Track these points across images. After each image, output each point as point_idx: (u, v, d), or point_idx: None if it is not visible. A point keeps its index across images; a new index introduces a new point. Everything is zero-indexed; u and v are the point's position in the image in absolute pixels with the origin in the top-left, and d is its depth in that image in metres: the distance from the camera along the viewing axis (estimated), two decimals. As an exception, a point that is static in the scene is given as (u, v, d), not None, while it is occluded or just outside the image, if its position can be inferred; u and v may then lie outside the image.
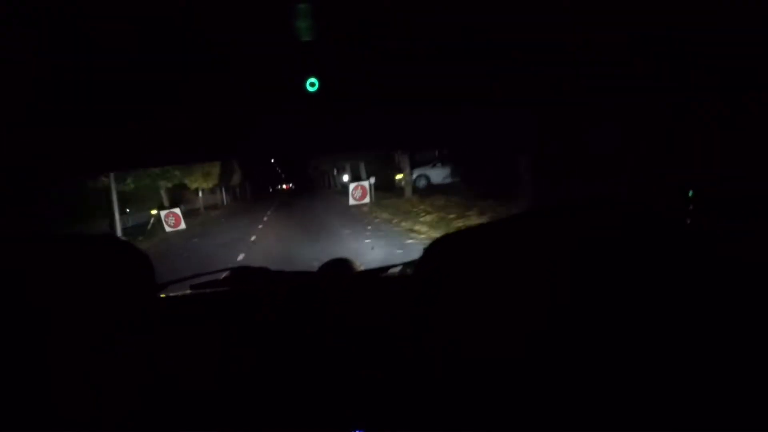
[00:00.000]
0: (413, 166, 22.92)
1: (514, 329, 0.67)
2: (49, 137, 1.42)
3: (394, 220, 12.89)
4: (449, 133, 1.59)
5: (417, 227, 11.29)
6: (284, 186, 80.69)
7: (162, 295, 1.53)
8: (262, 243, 11.59)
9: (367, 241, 10.13)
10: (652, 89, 1.37)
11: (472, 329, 0.70)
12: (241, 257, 9.49)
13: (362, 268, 1.79)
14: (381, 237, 10.59)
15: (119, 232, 14.01)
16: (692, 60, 1.26)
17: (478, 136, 1.62)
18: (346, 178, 29.98)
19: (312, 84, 1.37)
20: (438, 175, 23.30)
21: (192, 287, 1.66)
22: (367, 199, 17.84)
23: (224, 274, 1.74)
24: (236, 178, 35.73)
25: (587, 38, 1.31)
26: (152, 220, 16.70)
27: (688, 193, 1.28)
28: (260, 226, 15.20)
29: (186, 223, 16.39)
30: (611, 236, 0.71)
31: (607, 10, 1.21)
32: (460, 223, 10.63)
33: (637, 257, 0.69)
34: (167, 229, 15.87)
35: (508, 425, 0.66)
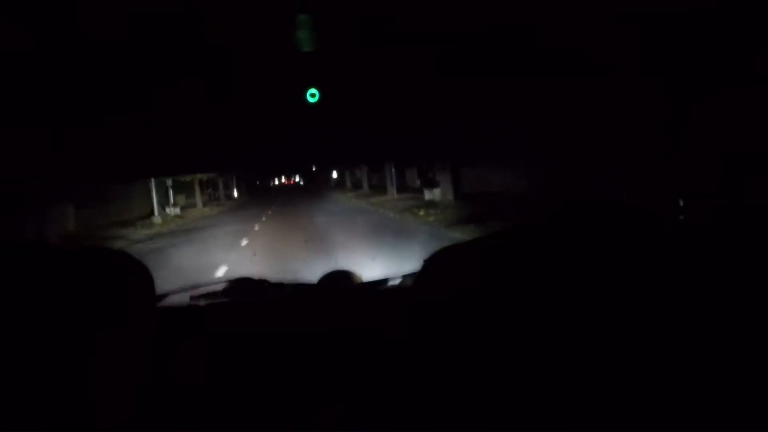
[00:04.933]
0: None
1: (514, 340, 0.68)
2: (46, 144, 1.42)
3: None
4: (453, 145, 1.59)
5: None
6: (285, 180, 67.06)
7: (161, 306, 1.54)
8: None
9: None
10: (653, 89, 1.37)
11: (472, 341, 0.70)
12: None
13: (362, 279, 1.79)
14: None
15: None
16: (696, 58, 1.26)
17: (480, 148, 1.61)
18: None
19: (313, 95, 1.36)
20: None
21: (191, 298, 1.66)
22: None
23: (223, 285, 1.74)
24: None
25: (590, 39, 1.31)
26: None
27: (678, 201, 1.29)
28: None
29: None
30: (611, 244, 0.71)
31: (610, 11, 1.20)
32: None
33: (637, 262, 0.69)
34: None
35: (506, 426, 0.66)
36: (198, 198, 28.21)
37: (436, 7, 1.15)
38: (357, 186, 37.61)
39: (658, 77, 1.35)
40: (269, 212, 21.19)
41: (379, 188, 30.16)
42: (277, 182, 67.93)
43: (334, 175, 50.57)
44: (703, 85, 1.27)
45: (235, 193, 41.03)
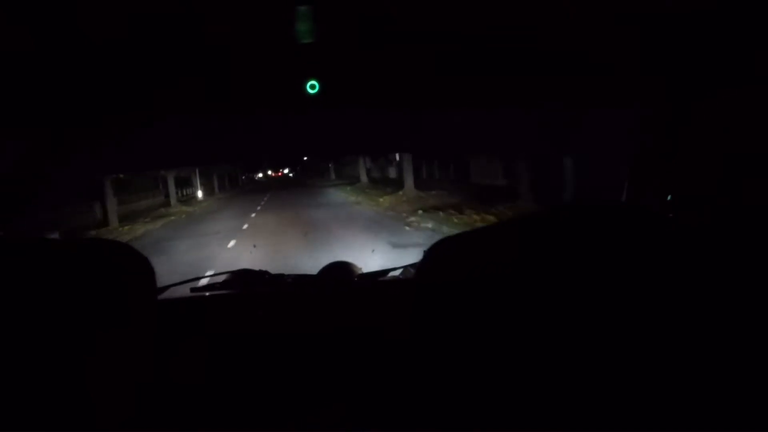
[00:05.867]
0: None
1: (515, 332, 0.68)
2: (46, 140, 1.41)
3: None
4: (451, 136, 1.59)
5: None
6: (272, 173, 59.32)
7: (162, 298, 1.53)
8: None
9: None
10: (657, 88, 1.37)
11: (473, 332, 0.70)
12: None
13: (363, 270, 1.79)
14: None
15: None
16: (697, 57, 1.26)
17: (479, 139, 1.62)
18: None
19: (312, 86, 1.36)
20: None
21: (192, 290, 1.66)
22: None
23: (224, 277, 1.74)
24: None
25: (590, 39, 1.31)
26: None
27: (667, 196, 1.30)
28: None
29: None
30: (611, 237, 0.71)
31: (610, 11, 1.20)
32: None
33: (637, 258, 0.69)
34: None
35: (506, 426, 0.66)
36: (111, 211, 17.71)
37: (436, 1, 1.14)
38: (375, 181, 25.83)
39: (658, 77, 1.35)
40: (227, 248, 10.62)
41: (423, 184, 19.33)
42: (261, 175, 58.53)
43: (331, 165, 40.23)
44: (703, 85, 1.27)
45: (200, 194, 29.04)
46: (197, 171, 27.23)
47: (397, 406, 1.18)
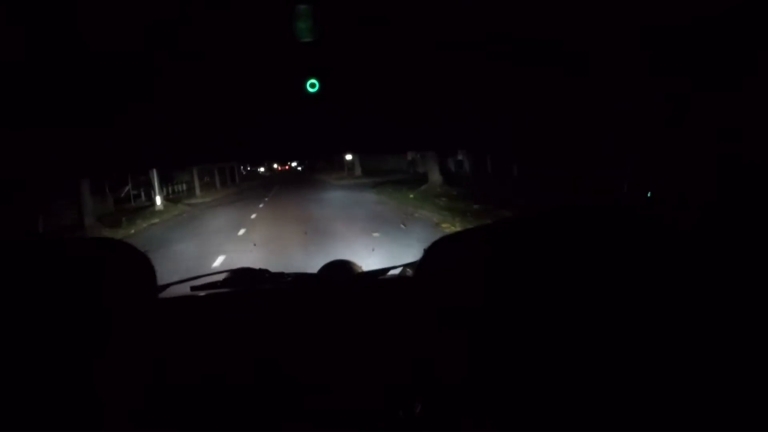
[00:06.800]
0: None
1: (515, 327, 0.68)
2: (44, 139, 1.41)
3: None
4: (452, 135, 1.59)
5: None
6: (278, 166, 54.60)
7: (163, 297, 1.54)
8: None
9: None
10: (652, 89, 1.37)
11: (473, 328, 0.70)
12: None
13: (363, 269, 1.79)
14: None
15: None
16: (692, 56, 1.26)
17: (482, 138, 1.61)
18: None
19: (312, 85, 1.36)
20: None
21: (192, 288, 1.66)
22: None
23: (224, 276, 1.74)
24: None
25: (588, 37, 1.31)
26: None
27: (666, 196, 1.29)
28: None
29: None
30: (606, 237, 0.72)
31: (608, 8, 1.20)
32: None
33: (631, 258, 0.69)
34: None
35: (507, 423, 0.67)
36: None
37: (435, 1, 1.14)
38: (448, 182, 16.39)
39: (658, 77, 1.35)
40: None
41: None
42: (263, 169, 51.71)
43: (348, 157, 31.68)
44: (703, 85, 1.27)
45: (159, 201, 18.94)
46: (155, 174, 19.19)
47: (397, 405, 1.19)
